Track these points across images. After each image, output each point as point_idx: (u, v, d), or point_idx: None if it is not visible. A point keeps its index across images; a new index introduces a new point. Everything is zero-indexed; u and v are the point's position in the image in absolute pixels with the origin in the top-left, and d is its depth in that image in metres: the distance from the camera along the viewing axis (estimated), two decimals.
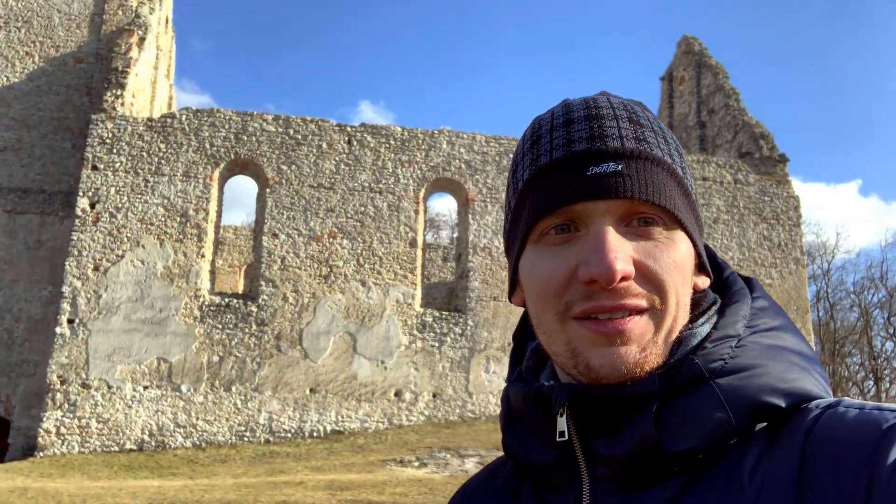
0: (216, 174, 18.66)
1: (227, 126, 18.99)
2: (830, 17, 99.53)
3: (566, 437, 0.88)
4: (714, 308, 0.93)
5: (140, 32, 20.74)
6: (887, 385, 35.97)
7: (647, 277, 0.85)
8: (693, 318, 0.90)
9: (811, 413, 0.82)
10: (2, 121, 20.36)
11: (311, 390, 17.64)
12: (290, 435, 17.31)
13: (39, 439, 16.38)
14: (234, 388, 17.35)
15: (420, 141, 19.83)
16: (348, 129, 19.67)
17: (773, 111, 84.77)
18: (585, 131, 0.89)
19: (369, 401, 17.82)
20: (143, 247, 17.75)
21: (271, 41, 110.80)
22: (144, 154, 18.37)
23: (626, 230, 0.86)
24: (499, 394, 18.56)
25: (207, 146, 18.73)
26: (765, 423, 0.83)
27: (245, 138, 18.99)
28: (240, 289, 26.55)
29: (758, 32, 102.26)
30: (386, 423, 17.75)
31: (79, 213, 17.72)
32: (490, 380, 18.57)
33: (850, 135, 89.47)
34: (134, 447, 16.64)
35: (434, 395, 18.19)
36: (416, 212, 19.27)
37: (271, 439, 17.19)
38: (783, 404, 0.83)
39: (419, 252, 19.12)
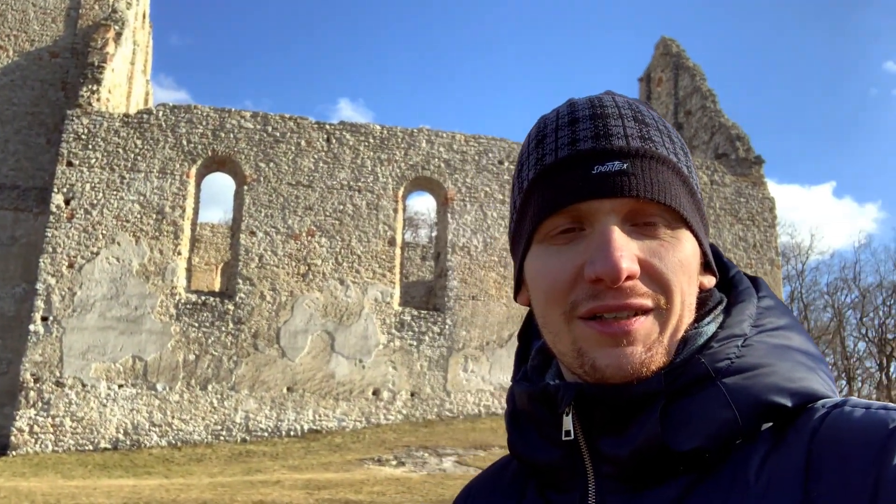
0: (193, 171, 18.49)
1: (204, 123, 18.83)
2: (807, 21, 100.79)
3: (572, 437, 0.87)
4: (720, 307, 0.93)
5: (117, 27, 20.52)
6: (859, 385, 36.41)
7: (653, 277, 0.85)
8: (699, 318, 0.90)
9: (817, 413, 0.82)
10: None
11: (288, 389, 17.55)
12: (266, 434, 17.22)
13: (12, 438, 16.14)
14: (210, 387, 17.22)
15: (399, 139, 19.79)
16: (327, 126, 19.58)
17: (750, 113, 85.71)
18: (591, 130, 0.88)
19: (347, 400, 17.76)
20: (119, 244, 17.55)
21: (250, 38, 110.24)
22: (120, 150, 18.16)
23: (632, 229, 0.86)
24: (477, 393, 18.65)
25: (184, 143, 18.56)
26: (771, 423, 0.83)
27: (223, 135, 18.84)
28: (216, 287, 26.34)
29: (735, 35, 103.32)
30: (364, 422, 17.70)
31: (53, 209, 17.48)
32: (468, 379, 18.58)
33: (825, 137, 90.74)
34: (109, 446, 16.45)
35: (412, 394, 18.16)
36: (395, 210, 19.23)
37: (248, 438, 17.08)
38: (789, 404, 0.84)
39: (398, 251, 19.09)
